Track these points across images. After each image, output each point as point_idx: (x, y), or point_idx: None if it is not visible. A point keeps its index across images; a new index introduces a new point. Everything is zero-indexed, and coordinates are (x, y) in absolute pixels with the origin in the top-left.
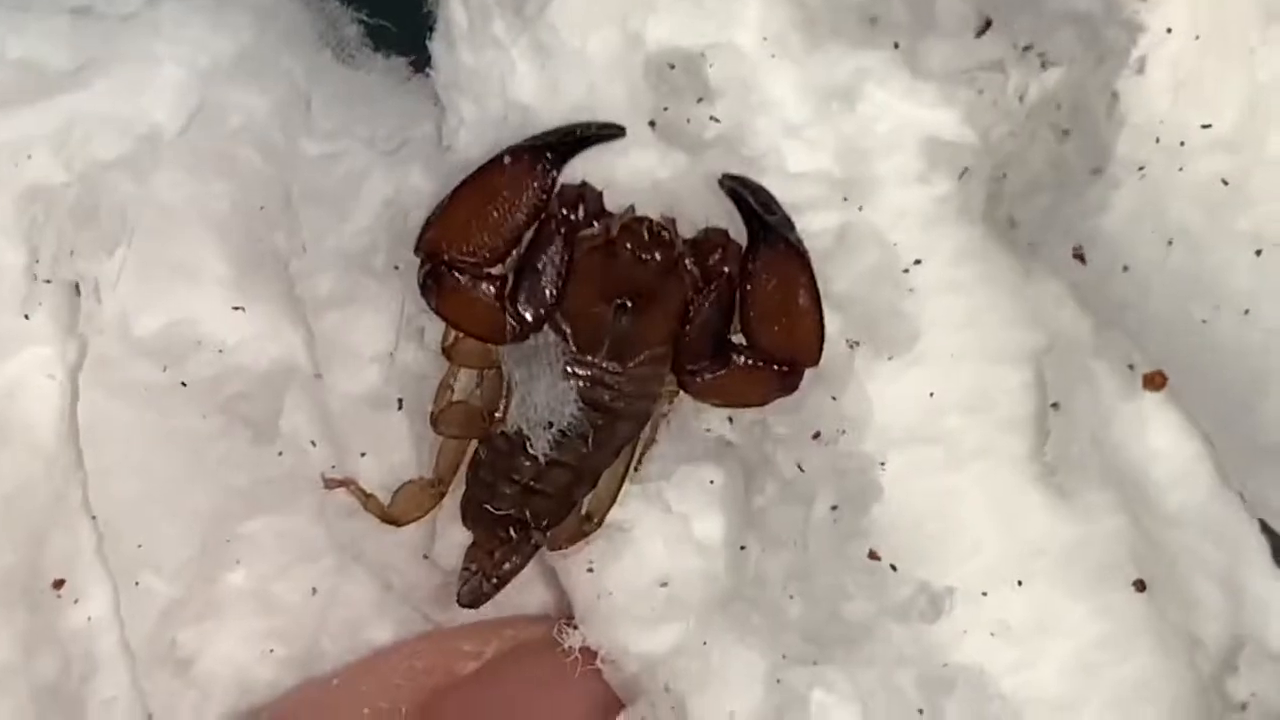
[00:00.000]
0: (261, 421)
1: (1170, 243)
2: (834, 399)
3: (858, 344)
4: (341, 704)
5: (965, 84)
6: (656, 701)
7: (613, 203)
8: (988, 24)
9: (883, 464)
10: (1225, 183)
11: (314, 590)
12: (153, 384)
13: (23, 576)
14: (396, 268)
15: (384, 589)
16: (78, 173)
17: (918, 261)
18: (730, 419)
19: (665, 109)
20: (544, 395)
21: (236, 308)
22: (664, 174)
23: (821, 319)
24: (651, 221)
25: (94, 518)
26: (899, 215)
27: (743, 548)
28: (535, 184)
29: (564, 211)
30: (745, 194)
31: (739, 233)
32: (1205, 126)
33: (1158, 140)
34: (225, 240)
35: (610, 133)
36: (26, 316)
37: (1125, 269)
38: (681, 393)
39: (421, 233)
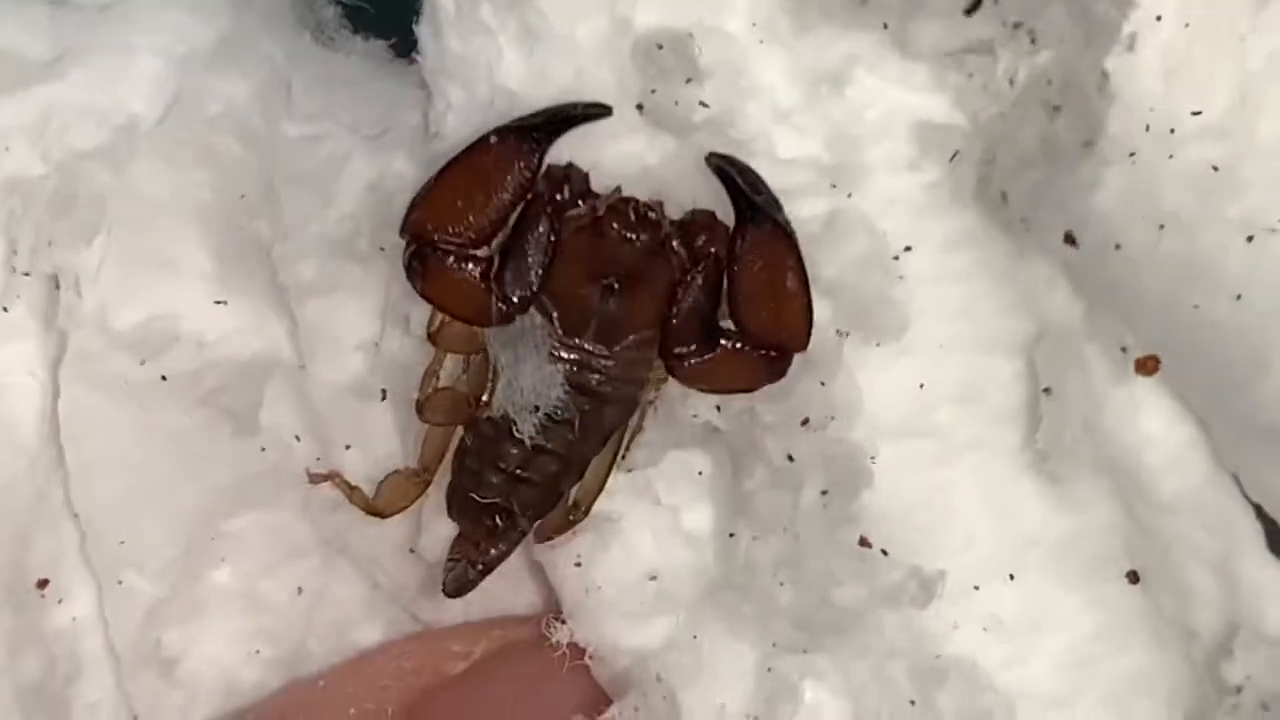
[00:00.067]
0: (244, 416)
1: (1162, 227)
2: (822, 385)
3: (847, 332)
4: (328, 705)
5: (954, 68)
6: (649, 692)
7: (600, 187)
8: (978, 2)
9: (873, 458)
10: (1216, 169)
11: (300, 589)
12: (133, 379)
13: (6, 577)
14: (382, 249)
15: (371, 587)
16: (55, 163)
17: (908, 248)
18: (718, 407)
19: (653, 91)
20: (530, 378)
21: (219, 301)
22: (652, 159)
23: (809, 302)
24: (638, 202)
25: (76, 515)
26: (889, 202)
27: (732, 535)
28: (521, 164)
29: (550, 192)
30: (732, 172)
31: (727, 217)
32: (1195, 113)
33: (1148, 127)
34: (206, 231)
35: (596, 112)
36: (5, 309)
37: (1118, 247)
38: (669, 379)
39: (407, 214)
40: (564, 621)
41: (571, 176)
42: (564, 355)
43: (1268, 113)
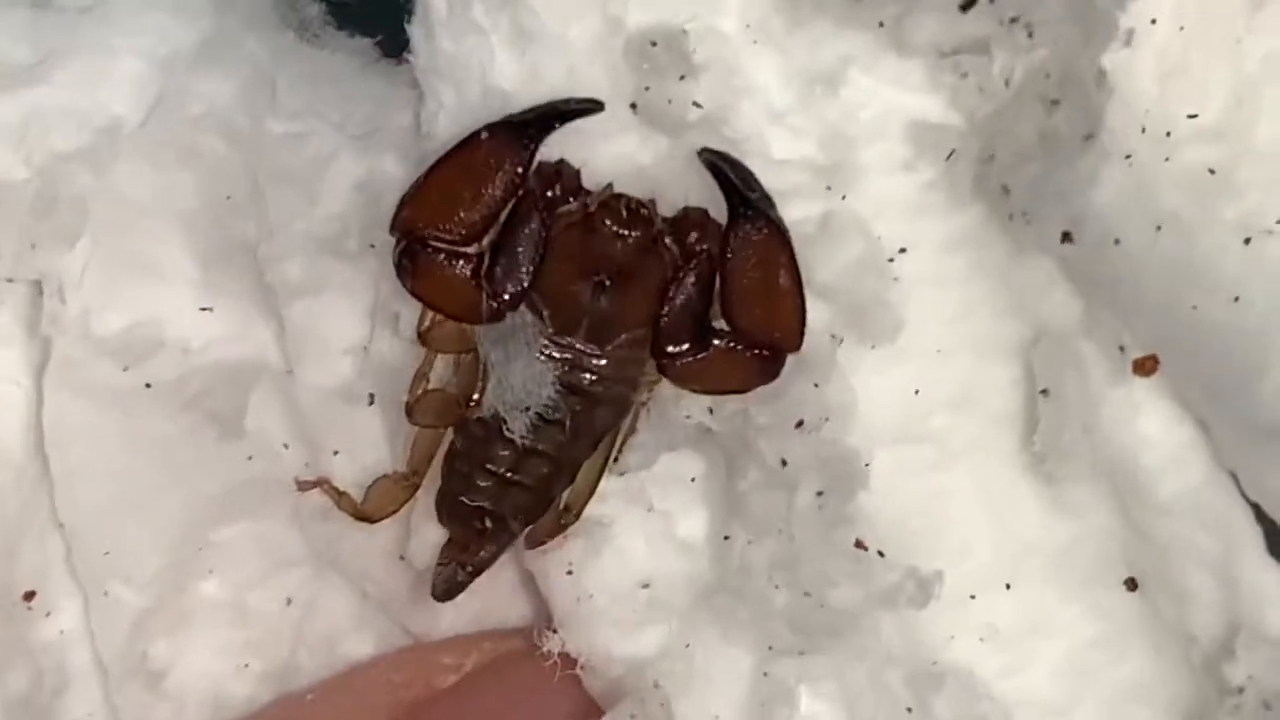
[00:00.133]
0: (230, 422)
1: (1159, 228)
2: (816, 386)
3: (841, 333)
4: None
5: (950, 69)
6: (646, 698)
7: (592, 186)
8: None
9: (868, 464)
10: (1213, 172)
11: (289, 600)
12: (117, 385)
13: None
14: (372, 246)
15: (361, 598)
16: (37, 167)
17: (903, 250)
18: (711, 409)
19: (647, 88)
20: (521, 376)
21: (204, 308)
22: (645, 159)
23: (803, 300)
24: (630, 198)
25: (62, 526)
26: (884, 204)
27: (726, 538)
28: (513, 161)
29: (542, 188)
30: (725, 168)
31: (720, 217)
32: (1192, 116)
33: (1144, 130)
34: (191, 234)
35: (588, 107)
36: None
37: (1117, 242)
38: (661, 381)
39: (397, 211)
40: (555, 630)
41: (563, 173)
42: (555, 354)
43: (1264, 115)
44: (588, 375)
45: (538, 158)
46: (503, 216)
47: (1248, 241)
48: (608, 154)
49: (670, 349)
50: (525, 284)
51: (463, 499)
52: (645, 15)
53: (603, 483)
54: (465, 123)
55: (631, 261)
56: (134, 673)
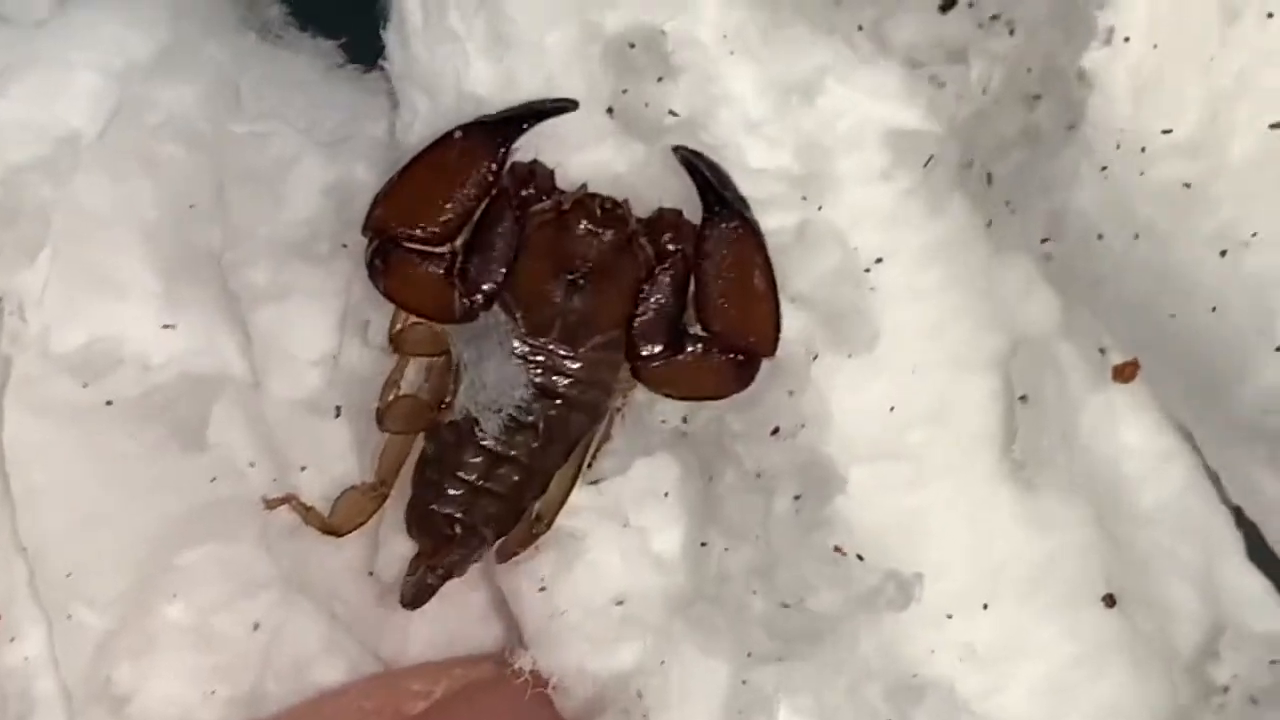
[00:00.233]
0: (193, 440)
1: (1137, 236)
2: (791, 394)
3: (817, 342)
4: None
5: (928, 79)
6: (630, 708)
7: (566, 186)
8: None
9: (845, 480)
10: (1188, 186)
11: (256, 625)
12: (77, 403)
13: None
14: (344, 246)
15: (330, 621)
16: None
17: (879, 260)
18: (685, 418)
19: (624, 91)
20: (494, 376)
21: (166, 326)
22: (621, 167)
23: (777, 303)
24: (604, 197)
25: (25, 549)
26: (861, 214)
27: (703, 544)
28: (486, 160)
29: (515, 188)
30: (700, 165)
31: (695, 220)
32: (1166, 132)
33: (1119, 145)
34: (152, 246)
35: (562, 106)
36: None
37: (1100, 237)
38: (636, 387)
39: (370, 210)
40: (526, 648)
41: (536, 172)
42: (528, 356)
43: (1238, 130)
44: (561, 378)
45: (511, 159)
46: (476, 216)
47: (1224, 254)
48: (583, 162)
49: (644, 350)
50: (498, 282)
51: (433, 508)
52: (623, 21)
53: (576, 495)
54: (441, 130)
55: (605, 260)
56: (98, 698)
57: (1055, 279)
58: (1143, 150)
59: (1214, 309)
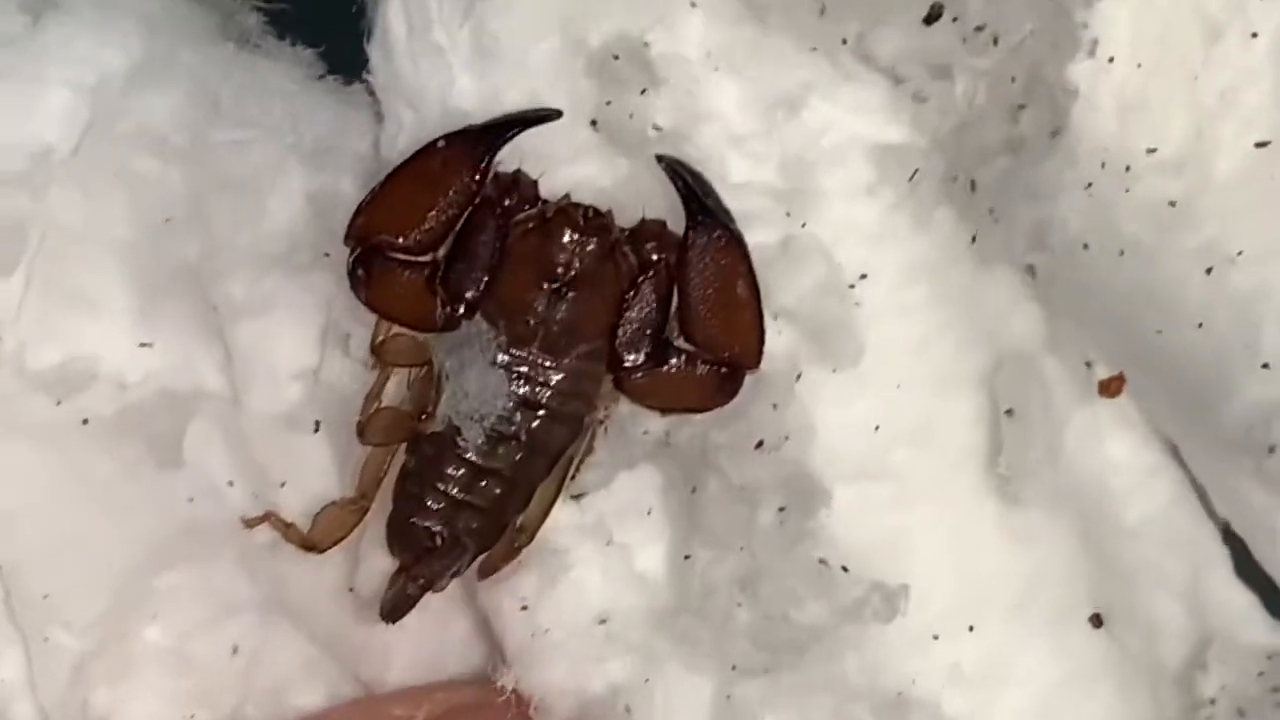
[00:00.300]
0: (170, 458)
1: (1122, 253)
2: (775, 408)
3: (802, 357)
4: None
5: (912, 96)
6: None
7: (549, 196)
8: (938, 12)
9: (829, 494)
10: (1173, 204)
11: (235, 648)
12: (52, 422)
13: None
14: (327, 255)
15: (309, 644)
16: None
17: (864, 276)
18: (668, 431)
19: (608, 102)
20: (475, 385)
21: (144, 344)
22: (605, 182)
23: (760, 314)
24: (587, 206)
25: (0, 569)
26: (845, 230)
27: (687, 557)
28: (470, 169)
29: (499, 196)
30: (684, 173)
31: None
32: (1151, 151)
33: (1103, 164)
34: (128, 261)
35: (545, 115)
36: None
37: (1086, 247)
38: (619, 400)
39: (352, 219)
40: (509, 667)
41: (520, 181)
42: (510, 365)
43: (1223, 148)
44: (543, 389)
45: (494, 169)
46: (459, 225)
47: (1209, 270)
48: (568, 177)
49: (627, 361)
50: (480, 290)
51: (414, 521)
52: (607, 32)
53: (559, 511)
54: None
55: (588, 270)
56: None
57: (1041, 293)
58: (1127, 169)
59: (1200, 325)
